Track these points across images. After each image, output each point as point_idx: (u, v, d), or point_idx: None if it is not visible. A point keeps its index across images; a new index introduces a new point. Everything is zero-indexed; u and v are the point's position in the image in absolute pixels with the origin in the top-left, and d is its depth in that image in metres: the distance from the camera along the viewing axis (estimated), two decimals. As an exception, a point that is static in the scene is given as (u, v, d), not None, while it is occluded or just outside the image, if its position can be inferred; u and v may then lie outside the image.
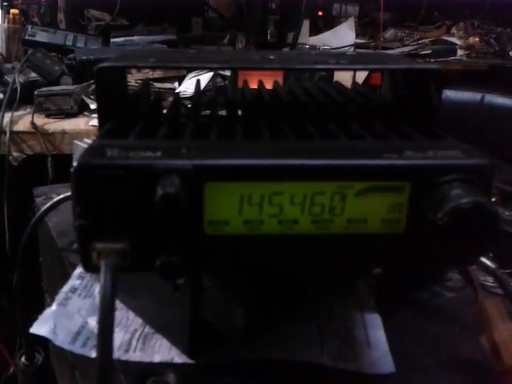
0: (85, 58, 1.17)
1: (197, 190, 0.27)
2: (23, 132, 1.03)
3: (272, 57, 0.39)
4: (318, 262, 0.31)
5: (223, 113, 0.42)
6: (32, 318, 0.45)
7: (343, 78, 1.19)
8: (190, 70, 1.26)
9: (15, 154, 1.03)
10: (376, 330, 0.42)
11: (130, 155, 0.27)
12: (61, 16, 1.46)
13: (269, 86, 0.50)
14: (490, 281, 0.48)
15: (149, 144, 0.29)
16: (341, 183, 0.28)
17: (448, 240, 0.28)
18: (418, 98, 0.38)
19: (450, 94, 1.33)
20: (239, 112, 0.43)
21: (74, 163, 0.27)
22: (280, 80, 1.00)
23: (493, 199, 0.60)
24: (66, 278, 0.51)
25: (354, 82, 0.50)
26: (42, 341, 0.45)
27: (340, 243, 0.30)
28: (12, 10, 1.34)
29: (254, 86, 0.50)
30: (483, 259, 0.41)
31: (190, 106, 0.46)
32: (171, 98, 1.02)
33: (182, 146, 0.29)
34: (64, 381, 0.62)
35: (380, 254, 0.30)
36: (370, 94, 0.46)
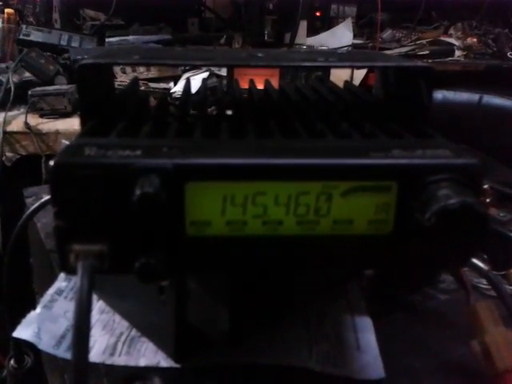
0: (79, 57, 1.16)
1: (178, 189, 0.27)
2: (17, 132, 1.02)
3: (260, 54, 0.38)
4: (304, 264, 0.30)
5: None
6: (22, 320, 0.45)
7: (341, 77, 1.19)
8: (185, 70, 1.25)
9: (9, 154, 1.02)
10: (366, 334, 0.42)
11: (108, 154, 0.27)
12: (56, 15, 1.45)
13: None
14: (483, 283, 0.47)
15: (129, 142, 0.28)
16: (326, 183, 0.27)
17: (436, 241, 0.28)
18: (408, 96, 0.37)
19: (447, 94, 1.32)
20: (228, 111, 0.42)
21: (51, 162, 0.26)
22: (276, 79, 1.00)
23: (488, 200, 0.59)
24: (54, 279, 0.50)
25: (346, 81, 0.49)
26: (32, 343, 0.45)
27: (326, 244, 0.29)
28: (7, 10, 1.34)
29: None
30: (476, 261, 0.41)
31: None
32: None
33: (164, 145, 0.28)
34: (55, 383, 0.61)
35: (367, 256, 0.30)
36: (362, 92, 0.45)
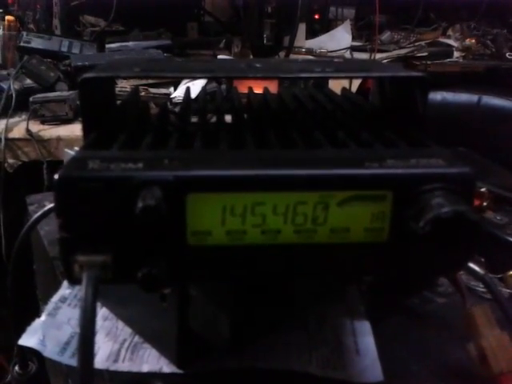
0: (80, 63, 1.17)
1: (179, 201, 0.27)
2: (18, 139, 1.03)
3: (258, 65, 0.39)
4: (302, 272, 0.31)
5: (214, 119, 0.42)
6: (26, 326, 0.45)
7: (340, 82, 1.20)
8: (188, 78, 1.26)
9: (10, 160, 1.03)
10: (365, 338, 0.42)
11: (111, 167, 0.27)
12: (56, 22, 1.46)
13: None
14: (481, 286, 0.48)
15: (131, 155, 0.29)
16: (323, 193, 0.28)
17: (431, 248, 0.28)
18: (403, 104, 0.38)
19: (446, 95, 1.33)
20: (228, 118, 0.43)
21: (56, 176, 0.27)
22: (275, 85, 1.00)
23: (484, 203, 0.59)
24: (58, 286, 0.51)
25: (344, 88, 0.50)
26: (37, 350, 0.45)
27: (323, 252, 0.30)
28: (7, 17, 1.34)
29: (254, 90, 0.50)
30: (472, 264, 0.41)
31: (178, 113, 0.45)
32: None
33: (165, 157, 0.29)
34: (58, 389, 0.62)
35: (364, 263, 0.30)
36: (359, 100, 0.46)
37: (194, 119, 0.42)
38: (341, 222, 0.29)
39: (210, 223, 0.28)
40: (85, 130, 0.36)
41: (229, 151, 0.32)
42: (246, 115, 0.43)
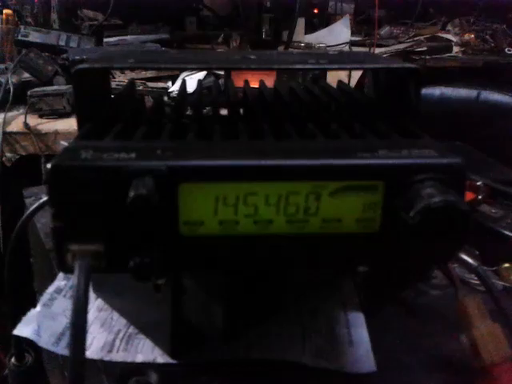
0: (78, 57, 1.17)
1: (171, 190, 0.28)
2: (16, 133, 1.03)
3: (252, 57, 0.39)
4: (294, 262, 0.31)
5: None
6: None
7: (340, 74, 1.20)
8: (183, 69, 1.26)
9: (8, 154, 1.03)
10: (359, 329, 0.43)
11: (104, 157, 0.28)
12: (54, 16, 1.46)
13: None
14: (474, 278, 0.48)
15: (124, 145, 0.29)
16: (315, 183, 0.28)
17: (421, 238, 0.29)
18: (397, 96, 0.38)
19: (445, 90, 1.33)
20: (223, 111, 0.43)
21: (48, 165, 0.27)
22: (273, 78, 1.01)
23: (480, 196, 0.60)
24: (54, 278, 0.51)
25: (340, 81, 0.50)
26: (32, 340, 0.46)
27: (315, 243, 0.30)
28: (5, 11, 1.34)
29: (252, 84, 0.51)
30: (466, 256, 0.42)
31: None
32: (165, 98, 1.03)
33: (158, 147, 0.29)
34: (55, 381, 0.62)
35: (356, 253, 0.31)
36: (354, 92, 0.46)
37: (190, 112, 0.42)
38: (332, 213, 0.29)
39: (203, 213, 0.28)
40: (79, 121, 0.36)
41: (222, 142, 0.32)
42: (241, 108, 0.44)
